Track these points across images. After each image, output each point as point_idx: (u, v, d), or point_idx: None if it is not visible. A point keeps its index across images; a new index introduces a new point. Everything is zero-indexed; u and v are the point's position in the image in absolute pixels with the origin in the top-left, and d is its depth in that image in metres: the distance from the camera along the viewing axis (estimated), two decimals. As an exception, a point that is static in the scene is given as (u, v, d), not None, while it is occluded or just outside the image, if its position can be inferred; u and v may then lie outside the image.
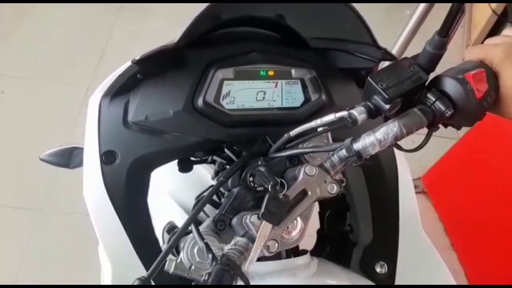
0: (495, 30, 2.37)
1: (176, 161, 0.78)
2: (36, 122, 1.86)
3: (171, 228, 0.68)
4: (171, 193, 0.94)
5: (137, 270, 0.54)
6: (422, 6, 1.62)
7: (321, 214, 0.81)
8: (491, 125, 1.59)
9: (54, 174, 1.70)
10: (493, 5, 2.30)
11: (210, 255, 0.48)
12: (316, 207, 0.72)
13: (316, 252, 0.78)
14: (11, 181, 1.70)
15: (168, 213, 0.90)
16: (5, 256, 1.52)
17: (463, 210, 1.73)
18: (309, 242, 0.76)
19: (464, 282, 1.62)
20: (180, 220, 0.90)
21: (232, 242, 0.47)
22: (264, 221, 0.46)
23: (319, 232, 0.83)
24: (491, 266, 1.53)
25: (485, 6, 2.37)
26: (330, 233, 0.79)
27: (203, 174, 0.96)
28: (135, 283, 0.40)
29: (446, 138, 2.11)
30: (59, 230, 1.59)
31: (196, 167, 0.84)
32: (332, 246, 0.78)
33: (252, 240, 0.47)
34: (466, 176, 1.73)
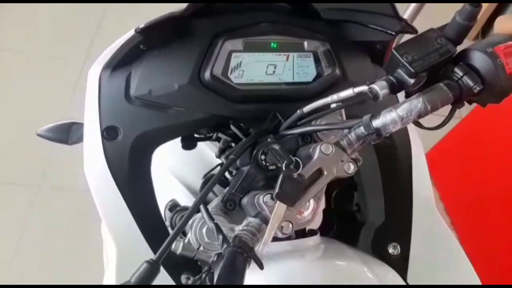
0: (496, 13, 2.31)
1: (178, 139, 0.75)
2: (31, 97, 1.81)
3: (173, 206, 0.66)
4: (172, 170, 0.91)
5: (142, 249, 0.52)
6: (412, 6, 1.58)
7: (328, 193, 0.79)
8: (494, 106, 1.57)
9: (51, 149, 1.67)
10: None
11: (221, 236, 0.45)
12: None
13: (323, 231, 0.76)
14: (7, 157, 1.67)
15: (170, 190, 0.88)
16: (3, 232, 1.51)
17: (464, 190, 1.73)
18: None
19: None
20: (182, 197, 0.88)
21: (244, 223, 0.45)
22: (278, 202, 0.43)
23: (325, 211, 0.81)
24: (491, 245, 1.54)
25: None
26: (337, 212, 0.77)
27: (206, 152, 0.93)
28: (143, 266, 0.38)
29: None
30: (57, 206, 1.57)
31: (199, 144, 0.81)
32: (339, 225, 0.77)
33: (265, 221, 0.45)
34: (468, 155, 1.72)
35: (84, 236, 1.49)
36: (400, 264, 0.59)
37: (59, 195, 1.59)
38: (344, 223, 0.75)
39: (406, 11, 1.65)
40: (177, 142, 0.76)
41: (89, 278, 1.39)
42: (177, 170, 0.92)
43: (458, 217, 1.70)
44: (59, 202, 1.58)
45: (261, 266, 0.42)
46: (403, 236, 0.60)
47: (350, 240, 0.67)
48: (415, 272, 0.59)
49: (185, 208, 0.63)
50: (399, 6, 0.59)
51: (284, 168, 0.46)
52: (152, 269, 0.38)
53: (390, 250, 0.61)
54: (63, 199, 1.58)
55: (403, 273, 0.58)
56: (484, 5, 2.30)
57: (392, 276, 0.56)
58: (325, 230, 0.78)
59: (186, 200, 0.85)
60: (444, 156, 1.86)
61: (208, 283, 0.40)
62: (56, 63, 1.94)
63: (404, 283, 0.57)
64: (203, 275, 0.41)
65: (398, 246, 0.61)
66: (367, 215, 0.66)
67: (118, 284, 0.38)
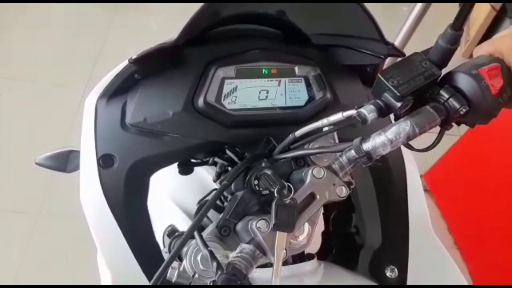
0: (493, 26, 2.35)
1: (175, 164, 0.75)
2: (33, 124, 1.84)
3: (171, 232, 0.66)
4: (171, 196, 0.92)
5: (137, 278, 0.52)
6: (420, 4, 1.61)
7: (326, 216, 0.79)
8: (493, 122, 1.58)
9: (51, 177, 1.67)
10: None
11: (215, 263, 0.45)
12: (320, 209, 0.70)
13: (322, 254, 0.76)
14: (7, 185, 1.68)
15: (169, 216, 0.88)
16: (3, 259, 1.50)
17: (466, 208, 1.72)
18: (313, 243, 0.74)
19: (469, 281, 1.60)
20: (181, 223, 0.88)
21: (238, 250, 0.45)
22: (278, 232, 0.44)
23: (324, 233, 0.81)
24: (495, 265, 1.52)
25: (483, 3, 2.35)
26: (335, 235, 0.77)
27: (204, 176, 0.93)
28: None
29: (447, 135, 2.10)
30: (56, 234, 1.57)
31: (197, 168, 0.82)
32: (338, 248, 0.76)
33: (258, 247, 0.45)
34: (469, 173, 1.71)
35: (84, 263, 1.48)
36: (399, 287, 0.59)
37: (59, 222, 1.58)
38: (342, 245, 0.75)
39: (399, 32, 1.69)
40: (175, 167, 0.77)
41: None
42: (175, 195, 0.92)
43: (461, 237, 1.69)
44: (59, 229, 1.57)
45: (254, 293, 0.42)
46: (400, 258, 0.60)
47: (349, 264, 0.67)
48: None
49: (183, 234, 0.63)
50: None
51: (276, 194, 0.46)
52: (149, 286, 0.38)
53: (388, 274, 0.60)
54: (63, 226, 1.57)
55: None
56: (484, 14, 2.33)
57: None
58: (324, 253, 0.77)
59: (185, 225, 0.85)
60: (445, 175, 1.85)
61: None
62: (56, 90, 1.97)
63: None
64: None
65: (396, 269, 0.60)
66: (365, 237, 0.66)
67: None
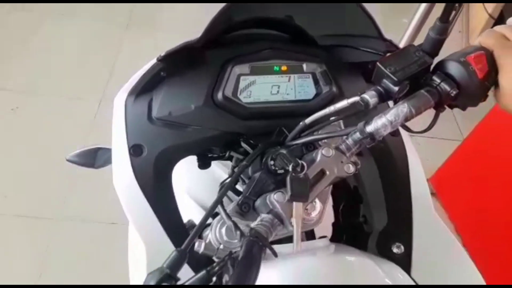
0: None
1: (194, 162, 0.82)
2: (49, 136, 1.91)
3: (190, 227, 0.72)
4: (188, 192, 0.98)
5: (167, 246, 0.58)
6: (422, 7, 1.69)
7: (335, 207, 0.84)
8: (494, 125, 1.63)
9: (70, 183, 1.75)
10: (489, 9, 2.36)
11: (239, 232, 0.51)
12: (330, 201, 0.75)
13: (333, 241, 0.81)
14: (26, 192, 1.74)
15: (187, 211, 0.94)
16: (25, 265, 1.55)
17: (473, 210, 1.75)
18: (324, 230, 0.79)
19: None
20: (199, 218, 0.94)
21: (258, 219, 0.51)
22: (295, 203, 0.49)
23: (334, 224, 0.86)
24: (505, 264, 1.54)
25: (481, 10, 2.43)
26: (345, 225, 0.82)
27: (219, 174, 0.99)
28: (173, 254, 0.44)
29: (450, 140, 2.16)
30: (76, 239, 1.62)
31: (212, 166, 0.88)
32: (348, 236, 0.81)
33: (276, 216, 0.51)
34: (474, 175, 1.75)
35: (104, 266, 1.54)
36: (405, 262, 0.63)
37: (78, 227, 1.64)
38: (352, 234, 0.79)
39: (407, 28, 1.75)
40: (192, 165, 0.83)
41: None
42: (193, 192, 0.98)
43: (469, 237, 1.71)
44: (79, 234, 1.63)
45: (275, 254, 0.48)
46: (406, 235, 0.65)
47: (358, 248, 0.72)
48: (418, 268, 0.63)
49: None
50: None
51: (291, 170, 0.52)
52: (181, 256, 0.44)
53: (395, 250, 0.65)
54: (83, 231, 1.63)
55: (407, 269, 0.63)
56: (482, 22, 2.40)
57: (398, 273, 0.60)
58: (335, 241, 0.82)
59: (202, 219, 0.91)
60: (451, 178, 1.89)
61: (230, 268, 0.46)
62: (72, 103, 2.06)
63: (410, 279, 0.61)
64: (226, 258, 0.46)
65: (402, 246, 0.65)
66: (373, 224, 0.71)
67: (150, 272, 0.43)
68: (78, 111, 2.01)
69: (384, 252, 0.66)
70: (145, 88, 0.66)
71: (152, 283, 0.41)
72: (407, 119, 0.51)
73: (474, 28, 2.56)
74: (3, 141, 1.90)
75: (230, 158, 0.81)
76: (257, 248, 0.45)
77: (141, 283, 0.42)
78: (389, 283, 0.57)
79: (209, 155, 0.81)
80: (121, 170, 0.61)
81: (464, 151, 1.81)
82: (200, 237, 0.56)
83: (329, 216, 0.85)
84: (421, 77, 0.52)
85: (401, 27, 2.01)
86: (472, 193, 1.75)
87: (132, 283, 0.64)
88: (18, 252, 1.59)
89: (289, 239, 0.58)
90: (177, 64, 0.64)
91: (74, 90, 2.10)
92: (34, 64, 2.23)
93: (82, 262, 1.56)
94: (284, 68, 0.66)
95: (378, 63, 0.51)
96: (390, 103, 0.58)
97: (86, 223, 1.66)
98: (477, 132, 1.73)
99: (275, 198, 0.52)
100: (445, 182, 1.90)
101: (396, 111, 0.51)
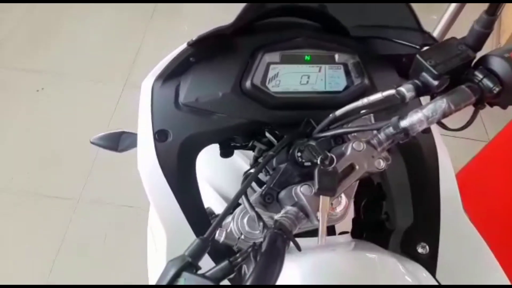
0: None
1: (215, 150, 0.81)
2: (74, 117, 1.94)
3: (209, 214, 0.71)
4: (209, 181, 0.97)
5: (187, 233, 0.58)
6: (452, 6, 1.63)
7: (357, 203, 0.83)
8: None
9: (91, 165, 1.77)
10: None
11: (261, 223, 0.50)
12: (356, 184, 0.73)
13: (353, 237, 0.79)
14: (49, 172, 1.78)
15: (206, 199, 0.93)
16: (42, 244, 1.59)
17: (495, 211, 1.70)
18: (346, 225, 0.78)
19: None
20: (217, 206, 0.93)
21: (283, 211, 0.49)
22: (322, 197, 0.48)
23: (354, 220, 0.84)
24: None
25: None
26: (366, 221, 0.80)
27: (240, 164, 0.99)
28: (196, 242, 0.43)
29: (475, 140, 2.10)
30: (95, 220, 1.65)
31: (233, 156, 0.87)
32: (368, 232, 0.79)
33: (302, 209, 0.49)
34: (498, 177, 1.70)
35: (121, 248, 1.56)
36: (429, 263, 0.61)
37: (98, 209, 1.67)
38: (373, 231, 0.78)
39: (437, 25, 1.69)
40: (214, 154, 0.82)
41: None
42: (213, 181, 0.97)
43: (491, 239, 1.67)
44: (98, 215, 1.65)
45: (299, 248, 0.46)
46: (432, 236, 0.63)
47: (379, 245, 0.70)
48: (443, 270, 0.61)
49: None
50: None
51: (319, 162, 0.50)
52: (203, 244, 0.43)
53: (419, 250, 0.63)
54: (102, 212, 1.66)
55: (432, 271, 0.61)
56: (510, 33, 2.32)
57: (422, 272, 0.58)
58: (355, 237, 0.80)
59: (221, 208, 0.90)
60: (473, 179, 1.84)
61: (252, 260, 0.45)
62: (96, 86, 2.08)
63: (434, 280, 0.59)
64: (249, 250, 0.45)
65: (427, 246, 0.63)
66: (395, 222, 0.69)
67: (171, 259, 0.42)
68: (102, 94, 2.04)
69: (408, 252, 0.64)
70: (173, 73, 0.65)
71: (173, 270, 0.40)
72: (445, 115, 0.49)
73: (506, 28, 2.46)
74: (28, 121, 1.94)
75: (252, 148, 0.80)
76: (281, 240, 0.43)
77: (160, 269, 0.41)
78: (413, 283, 0.55)
79: (232, 144, 0.80)
80: (146, 155, 0.61)
81: (489, 152, 1.76)
82: (221, 226, 0.55)
83: (350, 211, 0.83)
84: (462, 72, 0.50)
85: (430, 24, 1.95)
86: (496, 195, 1.71)
87: (150, 268, 0.64)
88: (38, 230, 1.62)
89: (308, 233, 0.57)
90: (207, 50, 0.63)
91: (99, 74, 2.12)
92: (60, 47, 2.26)
93: (100, 242, 1.59)
94: (315, 57, 0.64)
95: (417, 56, 0.48)
96: (423, 99, 0.56)
97: (106, 205, 1.68)
98: (504, 134, 1.68)
99: (302, 191, 0.50)
100: (468, 182, 1.85)
101: (434, 107, 0.48)
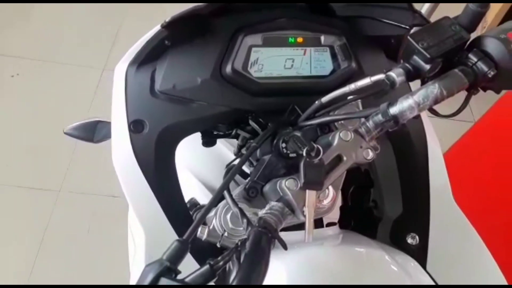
0: (511, 13, 2.32)
1: (197, 138, 0.77)
2: (51, 104, 1.87)
3: (193, 205, 0.68)
4: (192, 170, 0.94)
5: (168, 233, 0.54)
6: (426, 6, 1.60)
7: (344, 190, 0.80)
8: (507, 108, 1.57)
9: (72, 155, 1.72)
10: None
11: (245, 220, 0.47)
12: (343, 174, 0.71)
13: (341, 227, 0.77)
14: (28, 162, 1.72)
15: (189, 189, 0.90)
16: (24, 237, 1.55)
17: (480, 193, 1.72)
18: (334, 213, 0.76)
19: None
20: (201, 196, 0.90)
21: (267, 207, 0.46)
22: (308, 191, 0.45)
23: (342, 208, 0.82)
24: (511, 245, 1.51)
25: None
26: (354, 209, 0.78)
27: (223, 151, 0.95)
28: (174, 244, 0.40)
29: (461, 121, 2.10)
30: (77, 211, 1.60)
31: (216, 145, 0.83)
32: (356, 221, 0.78)
33: (287, 204, 0.46)
34: (484, 158, 1.71)
35: (104, 239, 1.53)
36: (419, 254, 0.60)
37: (80, 199, 1.62)
38: (361, 219, 0.76)
39: (422, 7, 1.67)
40: (195, 142, 0.79)
41: (109, 280, 1.42)
42: (196, 170, 0.94)
43: (476, 223, 1.68)
44: (80, 206, 1.61)
45: (285, 247, 0.44)
46: (422, 226, 0.61)
47: (368, 234, 0.68)
48: (434, 261, 0.59)
49: (204, 206, 0.65)
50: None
51: (305, 154, 0.47)
52: (182, 247, 0.40)
53: (409, 241, 0.61)
54: (84, 203, 1.61)
55: (422, 262, 0.59)
56: (497, 11, 2.31)
57: (412, 264, 0.57)
58: (343, 226, 0.79)
59: (205, 198, 0.87)
60: (459, 160, 1.85)
61: (235, 261, 0.42)
62: (74, 70, 2.00)
63: (424, 272, 0.57)
64: (231, 252, 0.42)
65: (417, 236, 0.61)
66: (384, 210, 0.67)
67: (148, 263, 0.39)
68: (80, 79, 1.96)
69: (397, 242, 0.62)
70: (148, 58, 0.60)
71: (151, 276, 0.37)
72: (437, 101, 0.46)
73: (492, 6, 2.44)
74: (3, 109, 1.86)
75: (236, 136, 0.76)
76: (265, 240, 0.41)
77: (139, 272, 0.38)
78: (402, 275, 0.53)
79: (215, 133, 0.76)
80: (120, 148, 0.57)
81: (475, 134, 1.76)
82: (204, 222, 0.52)
83: (337, 201, 0.82)
84: (455, 55, 0.47)
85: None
86: (482, 177, 1.72)
87: (131, 270, 0.61)
88: (20, 222, 1.58)
89: (296, 226, 0.54)
90: (183, 32, 0.58)
91: (76, 57, 2.04)
92: (35, 30, 2.16)
93: (83, 233, 1.55)
94: (300, 39, 0.60)
95: (409, 37, 0.45)
96: (413, 82, 0.53)
97: (88, 195, 1.64)
98: (489, 115, 1.68)
99: (287, 185, 0.47)
100: (454, 164, 1.86)
101: (425, 92, 0.46)
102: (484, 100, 1.72)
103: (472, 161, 1.78)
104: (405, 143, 0.66)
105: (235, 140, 0.80)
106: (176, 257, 0.39)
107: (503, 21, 2.36)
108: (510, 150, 1.57)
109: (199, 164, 0.95)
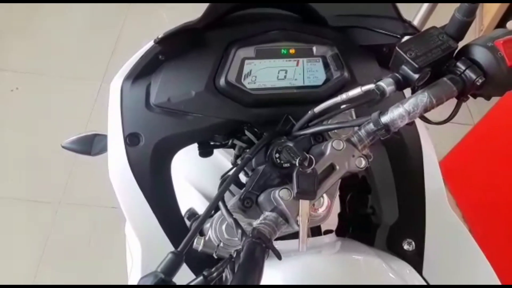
0: (507, 15, 2.33)
1: (195, 148, 0.78)
2: (51, 117, 1.88)
3: (191, 215, 0.68)
4: (190, 180, 0.94)
5: (164, 245, 0.55)
6: (425, 6, 1.61)
7: (342, 197, 0.81)
8: (506, 110, 1.57)
9: (71, 167, 1.72)
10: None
11: (240, 230, 0.47)
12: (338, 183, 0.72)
13: (339, 233, 0.77)
14: (27, 175, 1.72)
15: (188, 199, 0.90)
16: (25, 250, 1.54)
17: (481, 196, 1.71)
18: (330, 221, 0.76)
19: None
20: (199, 206, 0.91)
21: (261, 217, 0.47)
22: (301, 201, 0.46)
23: (340, 215, 0.82)
24: (511, 252, 1.51)
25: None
26: (352, 216, 0.79)
27: (221, 161, 0.96)
28: (169, 256, 0.40)
29: (460, 124, 2.10)
30: (77, 222, 1.60)
31: (214, 153, 0.84)
32: (355, 227, 0.78)
33: (281, 214, 0.47)
34: (484, 161, 1.70)
35: (105, 250, 1.53)
36: (416, 260, 0.60)
37: (80, 211, 1.63)
38: (359, 226, 0.76)
39: (417, 14, 1.67)
40: (193, 152, 0.79)
41: (109, 291, 1.41)
42: (194, 180, 0.94)
43: (476, 224, 1.68)
44: (80, 218, 1.61)
45: (279, 257, 0.44)
46: (417, 232, 0.61)
47: (365, 241, 0.68)
48: (430, 267, 0.59)
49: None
50: (411, 7, 0.61)
51: (298, 164, 0.48)
52: (176, 259, 0.41)
53: (405, 247, 0.62)
54: (84, 215, 1.61)
55: (418, 268, 0.59)
56: (497, 4, 2.32)
57: (408, 271, 0.57)
58: (341, 233, 0.79)
59: (203, 208, 0.88)
60: (460, 163, 1.85)
61: (229, 272, 0.42)
62: (73, 83, 2.01)
63: (420, 278, 0.57)
64: (225, 264, 0.43)
65: (413, 242, 0.61)
66: (381, 216, 0.67)
67: (143, 275, 0.40)
68: (79, 93, 1.97)
69: (394, 248, 0.62)
70: (143, 72, 0.61)
71: None
72: (426, 109, 0.46)
73: (488, 10, 2.46)
74: (3, 123, 1.87)
75: (233, 146, 0.77)
76: (259, 250, 0.41)
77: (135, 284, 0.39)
78: (399, 283, 0.53)
79: (211, 143, 0.77)
80: (116, 161, 0.57)
81: (475, 137, 1.76)
82: (200, 233, 0.53)
83: (335, 206, 0.82)
84: (444, 63, 0.47)
85: (414, 9, 1.92)
86: (482, 180, 1.71)
87: (129, 280, 0.61)
88: (20, 236, 1.58)
89: (292, 235, 0.54)
90: (177, 46, 0.59)
91: (75, 71, 2.05)
92: (34, 44, 2.18)
93: (84, 244, 1.55)
94: (292, 51, 0.61)
95: (397, 48, 0.46)
96: (406, 91, 0.53)
97: (87, 207, 1.64)
98: (489, 117, 1.68)
99: (280, 195, 0.48)
100: (454, 167, 1.86)
101: (415, 101, 0.46)
102: (483, 103, 1.73)
103: (472, 164, 1.78)
104: (400, 149, 0.66)
105: (232, 149, 0.80)
106: (170, 269, 0.40)
107: (499, 24, 2.37)
108: (510, 152, 1.56)
109: (197, 174, 0.95)
